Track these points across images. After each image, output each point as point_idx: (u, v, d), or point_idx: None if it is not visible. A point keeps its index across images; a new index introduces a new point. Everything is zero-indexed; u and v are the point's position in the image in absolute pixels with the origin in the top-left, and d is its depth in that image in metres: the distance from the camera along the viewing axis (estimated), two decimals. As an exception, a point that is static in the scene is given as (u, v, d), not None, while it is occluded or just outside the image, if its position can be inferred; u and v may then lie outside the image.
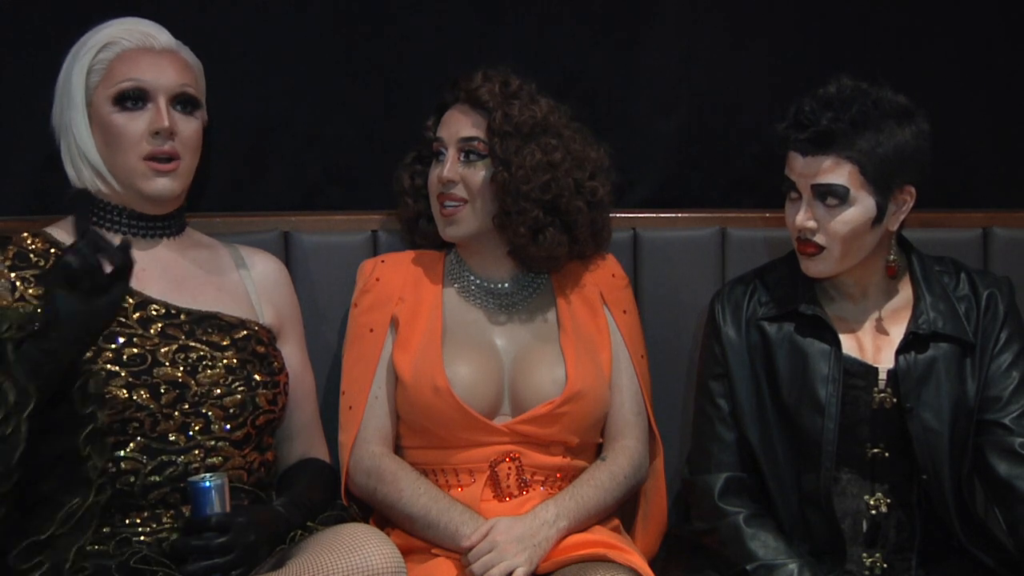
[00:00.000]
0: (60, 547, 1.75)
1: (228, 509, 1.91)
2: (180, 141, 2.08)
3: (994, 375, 2.19)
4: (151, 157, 2.06)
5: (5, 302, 1.97)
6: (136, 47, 2.09)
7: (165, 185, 2.08)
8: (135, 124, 2.06)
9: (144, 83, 2.06)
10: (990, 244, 2.59)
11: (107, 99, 2.07)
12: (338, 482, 2.23)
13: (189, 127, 2.10)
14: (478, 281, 2.33)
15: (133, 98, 2.06)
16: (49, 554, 1.74)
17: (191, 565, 1.87)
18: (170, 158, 2.07)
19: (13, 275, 2.03)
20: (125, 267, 1.77)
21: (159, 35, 2.12)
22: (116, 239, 2.09)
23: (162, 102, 2.07)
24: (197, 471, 1.99)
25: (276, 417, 2.14)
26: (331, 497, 2.16)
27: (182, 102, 2.09)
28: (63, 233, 2.12)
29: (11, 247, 2.07)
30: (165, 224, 2.15)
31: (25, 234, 2.10)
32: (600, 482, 2.23)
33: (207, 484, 1.90)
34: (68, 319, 1.73)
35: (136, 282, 2.06)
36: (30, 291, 2.02)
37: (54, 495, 1.76)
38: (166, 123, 2.05)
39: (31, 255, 2.07)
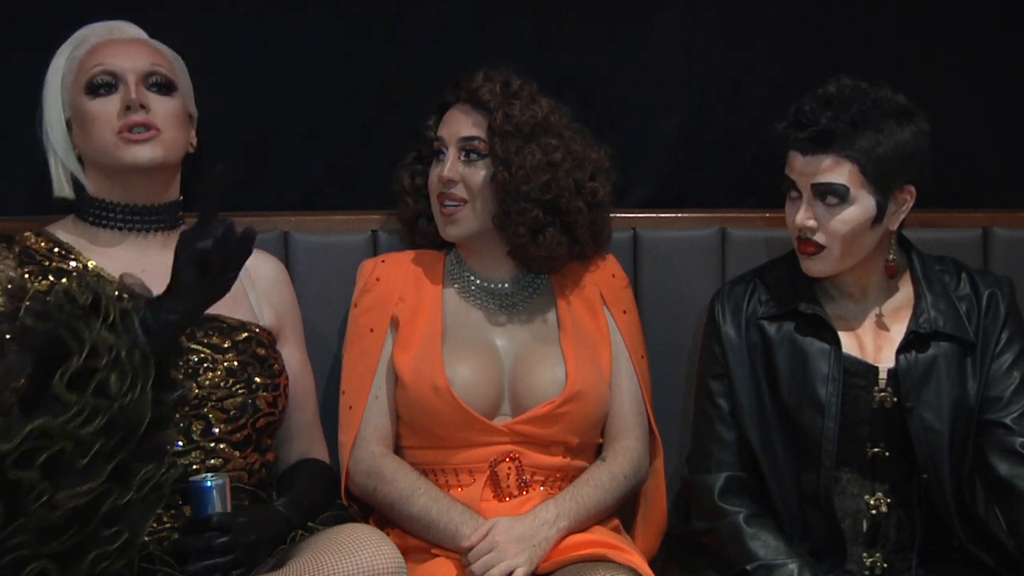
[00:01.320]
0: (135, 517, 1.73)
1: (229, 509, 1.91)
2: (156, 115, 2.08)
3: (995, 375, 2.19)
4: (125, 129, 2.06)
5: (25, 283, 1.98)
6: (103, 40, 2.12)
7: (145, 153, 2.07)
8: (107, 106, 2.07)
9: (111, 67, 2.08)
10: (990, 244, 2.59)
11: (80, 91, 2.08)
12: (338, 482, 2.23)
13: (165, 105, 2.10)
14: (478, 281, 2.33)
15: (104, 84, 2.08)
16: (126, 524, 1.72)
17: (192, 564, 1.87)
18: (146, 127, 2.07)
19: (24, 269, 2.03)
20: (244, 253, 1.87)
21: (127, 28, 2.15)
22: (109, 235, 2.11)
23: (131, 80, 2.08)
24: (198, 472, 1.99)
25: (276, 419, 2.14)
26: (331, 497, 2.16)
27: (156, 84, 2.10)
28: (65, 232, 2.12)
29: (16, 245, 2.08)
30: (158, 217, 2.14)
31: (28, 233, 2.11)
32: (600, 482, 2.23)
33: (208, 484, 1.90)
34: (190, 296, 1.81)
35: (135, 284, 2.08)
36: (36, 286, 2.01)
37: (129, 461, 1.75)
38: (134, 95, 2.06)
39: (35, 254, 2.07)
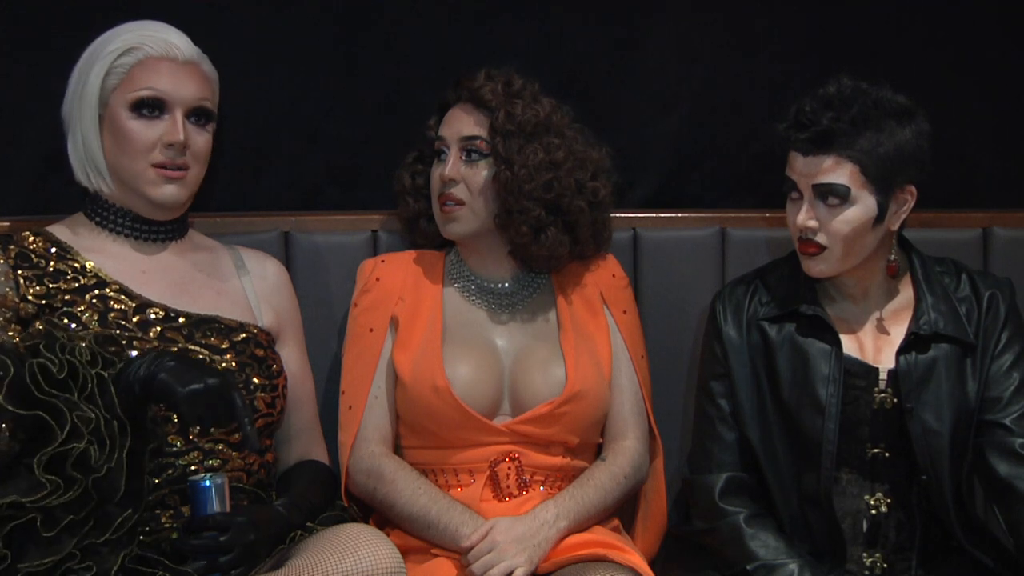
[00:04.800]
0: (108, 553, 1.78)
1: (228, 509, 1.91)
2: (191, 153, 2.08)
3: (995, 376, 2.19)
4: (160, 165, 2.06)
5: (10, 301, 1.98)
6: (159, 56, 2.08)
7: (172, 192, 2.08)
8: (149, 132, 2.06)
9: (163, 93, 2.06)
10: (990, 244, 2.59)
11: (124, 104, 2.06)
12: (337, 484, 2.22)
13: (201, 139, 2.10)
14: (478, 281, 2.33)
15: (150, 106, 2.06)
16: (98, 559, 1.76)
17: (191, 564, 1.87)
18: (178, 168, 2.07)
19: (19, 272, 2.03)
20: None
21: (182, 45, 2.10)
22: (112, 237, 2.11)
23: (178, 114, 2.06)
24: (196, 473, 1.99)
25: (275, 420, 2.14)
26: (331, 498, 2.16)
27: (197, 114, 2.09)
28: (66, 232, 2.12)
29: (12, 246, 2.07)
30: (168, 228, 2.15)
31: (26, 233, 2.10)
32: (600, 482, 2.23)
33: (207, 483, 1.90)
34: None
35: (136, 285, 2.08)
36: (31, 291, 2.02)
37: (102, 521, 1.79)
38: (181, 137, 2.05)
39: (32, 255, 2.06)
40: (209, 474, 1.93)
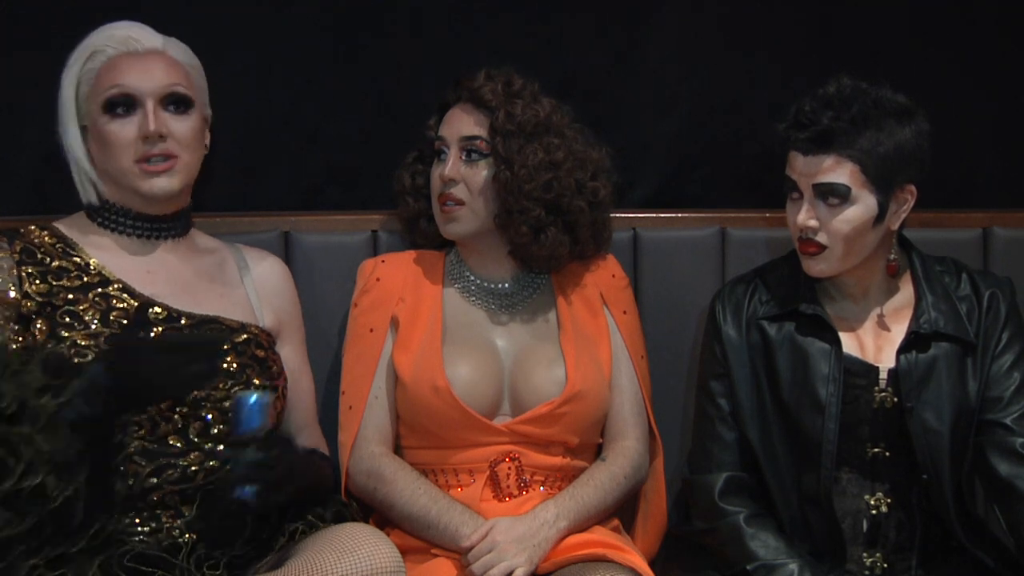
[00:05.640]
0: (83, 561, 1.76)
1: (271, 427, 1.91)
2: (175, 140, 2.07)
3: (995, 375, 2.19)
4: (143, 159, 2.05)
5: (11, 299, 1.97)
6: (120, 53, 2.08)
7: (163, 184, 2.07)
8: (126, 130, 2.05)
9: (129, 88, 2.05)
10: (990, 244, 2.59)
11: (97, 108, 2.06)
12: (336, 471, 2.22)
13: (183, 126, 2.08)
14: (478, 281, 2.33)
15: (122, 104, 2.06)
16: (73, 567, 1.75)
17: (231, 473, 1.86)
18: (164, 158, 2.06)
19: (23, 268, 2.03)
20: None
21: (142, 37, 2.10)
22: (116, 237, 2.10)
23: (150, 105, 2.05)
24: (195, 474, 1.98)
25: (274, 420, 2.14)
26: (334, 487, 2.16)
27: (173, 102, 2.08)
28: (71, 229, 2.12)
29: (18, 241, 2.07)
30: (170, 225, 2.14)
31: (33, 227, 2.11)
32: (600, 482, 2.23)
33: (253, 399, 1.88)
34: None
35: (140, 284, 2.08)
36: (34, 287, 2.02)
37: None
38: (152, 127, 2.04)
39: (37, 251, 2.06)
40: (256, 391, 1.93)
